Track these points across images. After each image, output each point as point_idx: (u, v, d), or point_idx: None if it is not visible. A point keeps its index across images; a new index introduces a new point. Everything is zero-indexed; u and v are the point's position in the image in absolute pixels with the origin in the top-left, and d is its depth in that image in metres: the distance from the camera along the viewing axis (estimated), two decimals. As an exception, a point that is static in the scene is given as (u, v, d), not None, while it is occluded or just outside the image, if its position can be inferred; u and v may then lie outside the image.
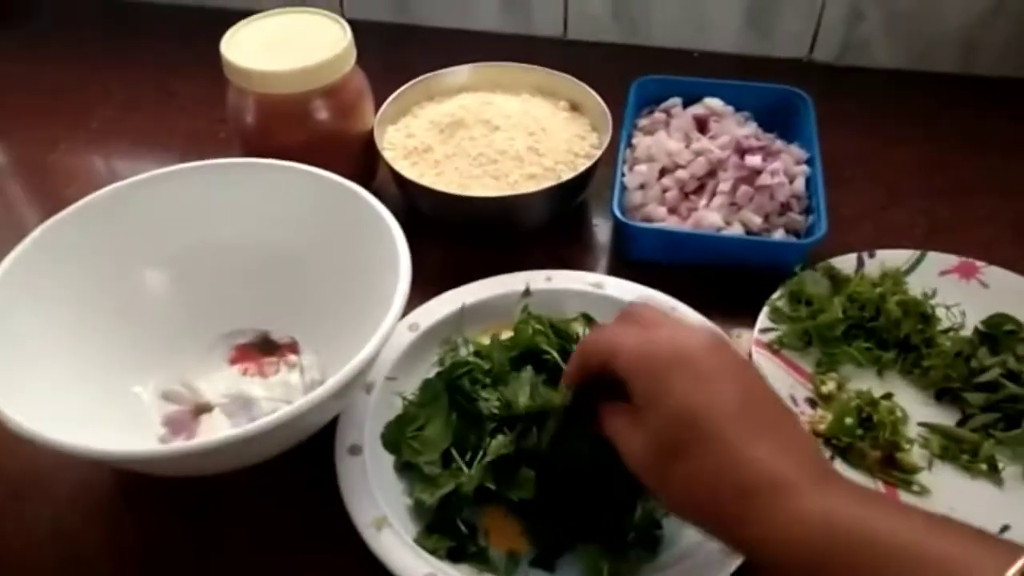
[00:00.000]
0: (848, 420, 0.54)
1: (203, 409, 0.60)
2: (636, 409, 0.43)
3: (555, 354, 0.54)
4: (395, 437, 0.56)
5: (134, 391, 0.59)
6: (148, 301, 0.61)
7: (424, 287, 0.66)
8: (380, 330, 0.50)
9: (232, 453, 0.48)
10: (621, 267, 0.70)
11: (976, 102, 0.87)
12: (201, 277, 0.62)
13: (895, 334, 0.60)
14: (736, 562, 0.48)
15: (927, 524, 0.36)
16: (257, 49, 0.67)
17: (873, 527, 0.36)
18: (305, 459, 0.54)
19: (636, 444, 0.43)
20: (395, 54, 0.92)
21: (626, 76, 0.81)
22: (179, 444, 0.45)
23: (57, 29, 1.04)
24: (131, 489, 0.57)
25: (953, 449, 0.55)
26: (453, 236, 0.73)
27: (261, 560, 0.53)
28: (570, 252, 0.72)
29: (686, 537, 0.51)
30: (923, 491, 0.53)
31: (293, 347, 0.63)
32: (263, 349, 0.63)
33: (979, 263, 0.66)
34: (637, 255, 0.70)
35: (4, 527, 0.55)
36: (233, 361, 0.63)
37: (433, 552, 0.50)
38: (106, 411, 0.56)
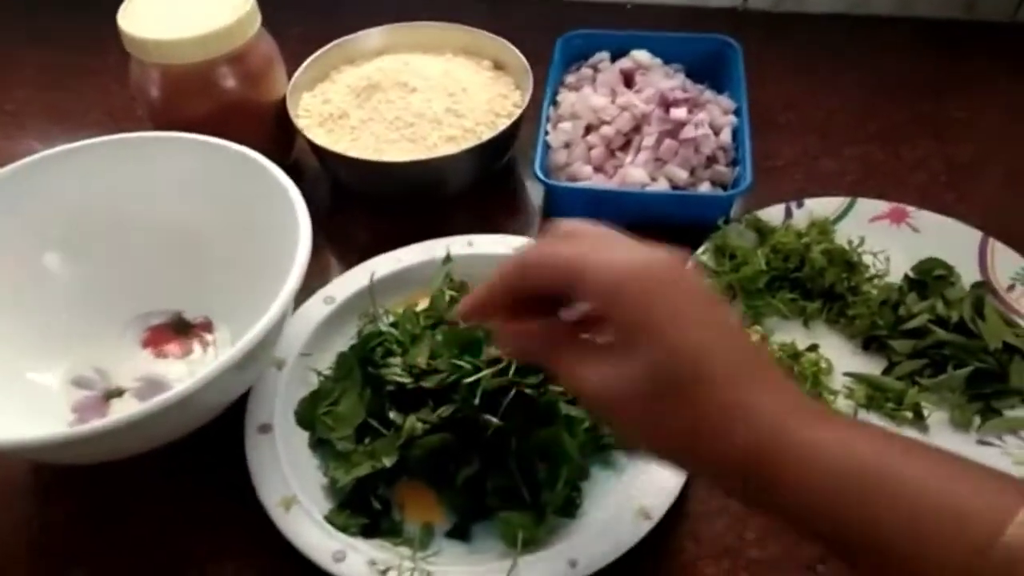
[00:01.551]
0: (768, 373, 0.53)
1: (114, 394, 0.58)
2: (609, 345, 0.37)
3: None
4: (309, 414, 0.54)
5: (41, 379, 0.57)
6: (52, 285, 0.59)
7: (347, 259, 0.65)
8: (276, 303, 0.48)
9: (125, 436, 0.47)
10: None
11: (913, 45, 0.86)
12: (108, 258, 0.60)
13: (820, 284, 0.59)
14: (650, 524, 0.47)
15: (938, 461, 0.34)
16: (156, 19, 0.64)
17: (889, 462, 0.33)
18: (220, 439, 0.53)
19: (619, 383, 0.37)
20: (318, 18, 0.89)
21: (558, 33, 0.78)
22: (58, 431, 0.43)
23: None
24: (43, 470, 0.55)
25: (878, 398, 0.54)
26: (379, 206, 0.71)
27: (172, 542, 0.52)
28: (500, 215, 0.71)
29: (603, 499, 0.50)
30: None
31: (207, 326, 0.61)
32: (177, 330, 0.61)
33: (910, 208, 0.65)
34: (563, 215, 0.67)
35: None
36: (146, 344, 0.61)
37: (344, 529, 0.49)
38: (10, 400, 0.54)
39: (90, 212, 0.60)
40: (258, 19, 0.66)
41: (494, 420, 0.48)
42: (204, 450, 0.54)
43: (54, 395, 0.57)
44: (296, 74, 0.71)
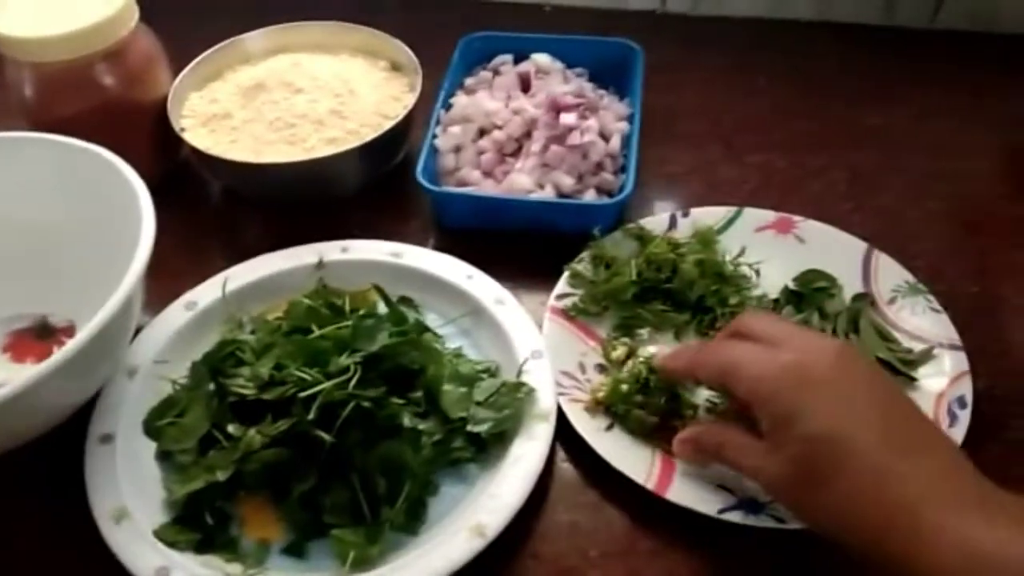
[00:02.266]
0: (624, 387, 0.52)
1: (-36, 399, 0.56)
2: (763, 435, 0.43)
3: (317, 331, 0.52)
4: (156, 423, 0.53)
5: None
6: None
7: (224, 264, 0.63)
8: (108, 305, 0.47)
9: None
10: (443, 234, 0.67)
11: (830, 51, 0.85)
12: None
13: (690, 296, 0.57)
14: (483, 542, 0.46)
15: None
16: (29, 16, 0.62)
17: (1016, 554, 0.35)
18: (62, 448, 0.52)
19: (770, 471, 0.42)
20: (236, 15, 0.88)
21: (470, 33, 0.77)
22: None
23: None
24: None
25: (740, 413, 0.52)
26: (270, 210, 0.70)
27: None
28: (391, 219, 0.69)
29: (447, 515, 0.49)
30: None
31: (70, 331, 0.60)
32: (39, 335, 0.60)
33: (796, 218, 0.63)
34: (449, 221, 0.67)
35: None
36: (6, 348, 0.59)
37: (172, 544, 0.47)
38: None
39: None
40: (135, 15, 0.65)
41: (326, 436, 0.46)
42: (47, 459, 0.52)
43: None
44: (182, 73, 0.69)
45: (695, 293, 0.57)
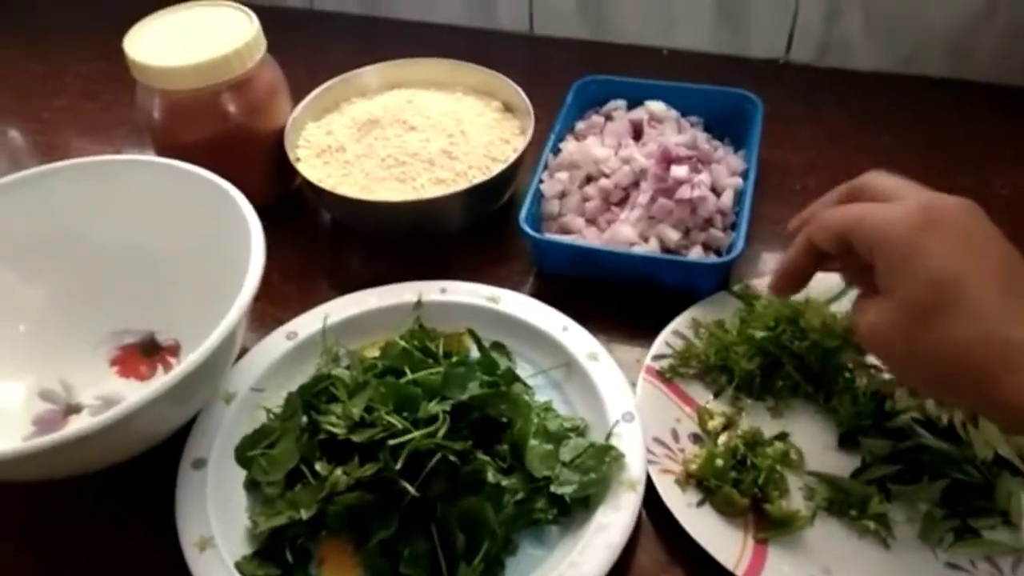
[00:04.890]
0: (719, 462, 0.49)
1: (73, 410, 0.59)
2: (878, 291, 0.43)
3: (410, 374, 0.52)
4: (247, 452, 0.53)
5: (8, 388, 0.59)
6: (28, 299, 0.61)
7: (327, 293, 0.64)
8: (215, 333, 0.48)
9: (53, 460, 0.47)
10: (539, 279, 0.66)
11: (962, 112, 0.80)
12: (86, 275, 0.61)
13: (801, 367, 0.54)
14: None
15: None
16: (161, 44, 0.65)
17: None
18: (161, 469, 0.53)
19: (880, 319, 0.42)
20: (357, 47, 0.90)
21: (590, 75, 0.76)
22: None
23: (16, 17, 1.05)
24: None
25: (839, 502, 0.49)
26: (376, 243, 0.70)
27: (86, 570, 0.51)
28: (492, 260, 0.69)
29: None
30: (797, 547, 0.48)
31: (175, 350, 0.62)
32: (145, 351, 0.62)
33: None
34: (547, 267, 0.66)
35: None
36: (114, 362, 0.62)
37: (252, 579, 0.47)
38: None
39: (60, 232, 0.61)
40: (262, 47, 0.67)
41: (410, 487, 0.46)
42: (141, 479, 0.53)
43: (19, 405, 0.58)
44: (300, 105, 0.71)
45: (809, 364, 0.54)
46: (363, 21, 0.97)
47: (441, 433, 0.48)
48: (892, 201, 0.44)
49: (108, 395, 0.59)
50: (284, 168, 0.71)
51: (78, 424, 0.57)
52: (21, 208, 0.60)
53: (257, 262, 0.52)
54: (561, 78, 0.76)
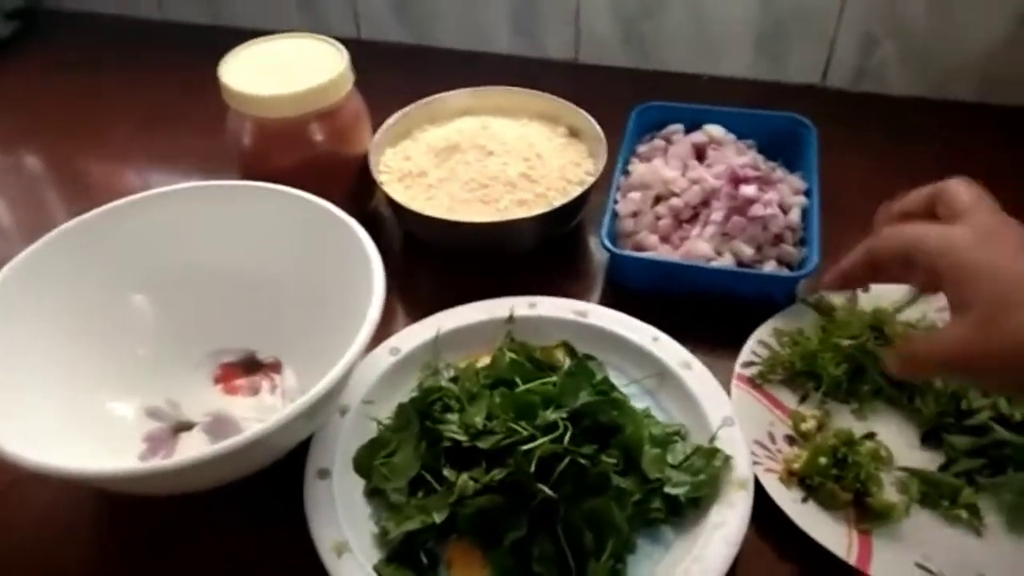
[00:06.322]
0: (822, 460, 0.53)
1: (184, 427, 0.61)
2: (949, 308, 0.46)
3: (521, 384, 0.55)
4: (366, 461, 0.56)
5: (119, 408, 0.60)
6: (134, 321, 0.62)
7: (414, 310, 0.67)
8: (346, 356, 0.50)
9: (194, 475, 0.49)
10: (613, 294, 0.70)
11: (995, 135, 0.85)
12: (188, 296, 0.63)
13: (882, 370, 0.58)
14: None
15: None
16: (255, 73, 0.68)
17: None
18: (281, 479, 0.55)
19: (952, 330, 0.46)
20: (407, 76, 0.93)
21: (635, 101, 0.80)
22: (123, 466, 0.46)
23: (78, 46, 1.07)
24: (104, 501, 0.58)
25: (932, 495, 0.53)
26: (448, 260, 0.73)
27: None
28: (563, 278, 0.72)
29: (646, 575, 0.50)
30: (897, 537, 0.51)
31: (276, 367, 0.64)
32: (248, 368, 0.64)
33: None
34: (627, 283, 0.69)
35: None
36: (217, 380, 0.64)
37: (393, 581, 0.50)
38: (90, 428, 0.57)
39: (175, 252, 0.63)
40: (351, 79, 0.70)
41: (546, 490, 0.49)
42: (264, 489, 0.55)
43: (129, 424, 0.60)
44: (379, 132, 0.74)
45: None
46: (411, 51, 1.00)
47: (567, 438, 0.51)
48: (958, 220, 0.48)
49: (216, 412, 0.61)
50: (361, 191, 0.74)
51: (192, 440, 0.60)
52: (144, 230, 0.62)
53: (379, 289, 0.54)
54: (608, 104, 0.79)
